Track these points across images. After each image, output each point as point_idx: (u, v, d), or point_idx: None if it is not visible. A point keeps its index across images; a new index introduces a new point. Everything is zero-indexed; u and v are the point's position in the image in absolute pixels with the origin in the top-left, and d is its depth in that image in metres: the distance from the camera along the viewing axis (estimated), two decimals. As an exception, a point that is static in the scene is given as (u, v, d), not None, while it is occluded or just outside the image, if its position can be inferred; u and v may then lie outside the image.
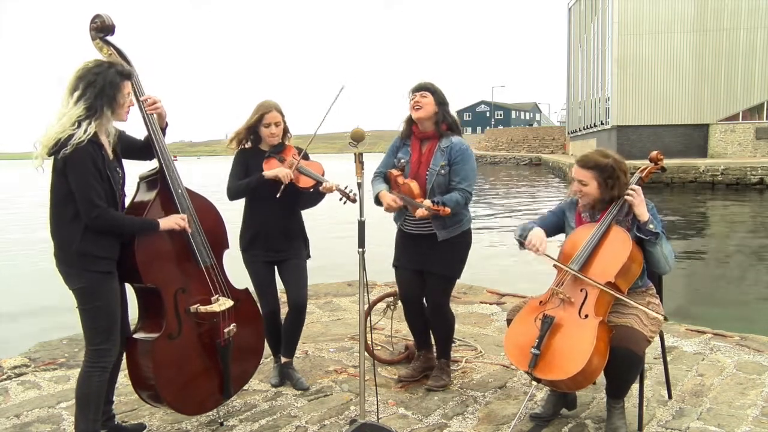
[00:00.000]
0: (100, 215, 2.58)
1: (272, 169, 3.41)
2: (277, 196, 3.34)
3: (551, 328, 2.77)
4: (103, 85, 2.62)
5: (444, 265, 3.48)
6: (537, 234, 2.99)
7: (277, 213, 3.46)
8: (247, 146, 3.58)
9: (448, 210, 3.20)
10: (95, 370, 2.70)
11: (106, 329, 2.68)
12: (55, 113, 2.61)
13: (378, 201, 3.48)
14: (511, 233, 3.22)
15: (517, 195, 21.00)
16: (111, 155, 2.70)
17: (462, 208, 3.39)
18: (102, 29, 2.91)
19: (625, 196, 2.90)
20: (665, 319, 2.80)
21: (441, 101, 3.44)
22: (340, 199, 3.40)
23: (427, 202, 3.20)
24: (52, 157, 2.59)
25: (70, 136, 2.53)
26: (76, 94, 2.59)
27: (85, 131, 2.54)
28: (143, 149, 2.99)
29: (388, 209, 3.41)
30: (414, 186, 3.36)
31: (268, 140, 3.53)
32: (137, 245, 2.74)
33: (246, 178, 3.49)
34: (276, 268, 3.63)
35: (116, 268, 2.74)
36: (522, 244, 3.01)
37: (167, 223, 2.82)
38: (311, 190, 3.47)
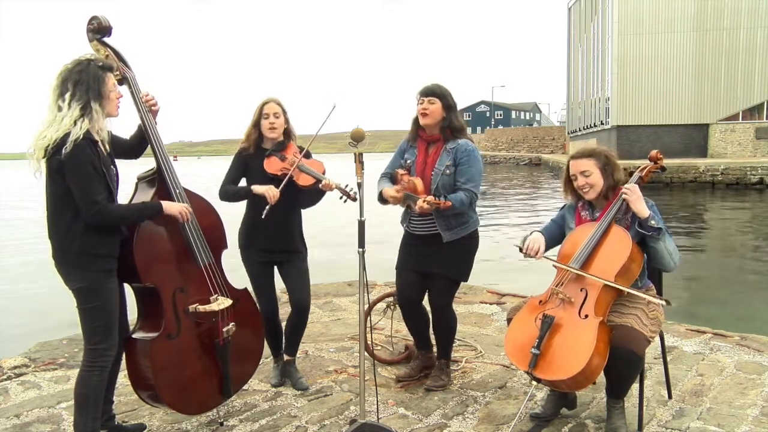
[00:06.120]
0: (100, 211, 2.57)
1: (262, 186, 3.39)
2: (266, 209, 3.33)
3: (551, 328, 2.76)
4: (88, 81, 2.61)
5: (449, 268, 3.47)
6: (534, 238, 3.05)
7: (277, 211, 3.45)
8: (250, 151, 3.55)
9: (449, 203, 3.19)
10: (94, 369, 2.70)
11: (105, 329, 2.68)
12: (44, 120, 2.59)
13: (381, 199, 3.48)
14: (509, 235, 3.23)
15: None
16: (105, 152, 2.69)
17: (467, 208, 3.38)
18: (99, 31, 2.93)
19: (622, 195, 2.89)
20: (667, 302, 2.78)
21: (448, 105, 3.42)
22: (341, 198, 3.40)
23: (429, 197, 3.20)
24: (45, 158, 2.57)
25: (67, 135, 2.52)
26: (68, 95, 2.58)
27: (80, 128, 2.54)
28: (131, 148, 2.99)
29: (393, 200, 3.39)
30: (418, 182, 3.36)
31: (268, 134, 3.50)
32: (136, 245, 2.74)
33: (241, 180, 3.56)
34: (276, 268, 3.63)
35: (116, 267, 2.73)
36: (521, 250, 3.05)
37: (171, 208, 2.79)
38: (311, 188, 3.48)
